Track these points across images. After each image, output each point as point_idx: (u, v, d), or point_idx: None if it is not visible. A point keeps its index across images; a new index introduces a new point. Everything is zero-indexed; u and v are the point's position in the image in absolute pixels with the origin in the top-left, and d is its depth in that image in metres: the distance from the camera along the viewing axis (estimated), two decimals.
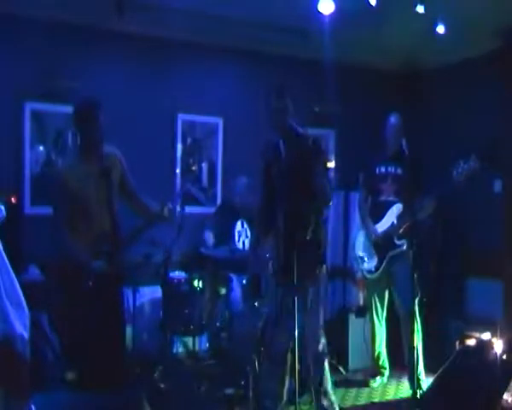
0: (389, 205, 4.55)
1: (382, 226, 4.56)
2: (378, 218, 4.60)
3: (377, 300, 4.70)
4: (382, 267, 4.56)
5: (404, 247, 4.45)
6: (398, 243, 4.48)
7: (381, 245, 4.55)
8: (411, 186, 4.48)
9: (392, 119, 4.64)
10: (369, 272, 4.66)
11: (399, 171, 4.56)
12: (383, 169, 4.62)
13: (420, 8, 4.27)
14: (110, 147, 3.67)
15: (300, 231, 3.49)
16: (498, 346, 4.13)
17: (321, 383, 3.69)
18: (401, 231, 4.45)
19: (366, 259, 4.67)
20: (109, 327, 3.54)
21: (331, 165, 6.25)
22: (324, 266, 3.69)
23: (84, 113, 3.57)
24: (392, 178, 4.57)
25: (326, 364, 3.72)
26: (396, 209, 4.51)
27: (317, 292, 3.63)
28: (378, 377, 4.73)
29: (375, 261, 4.60)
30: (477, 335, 4.80)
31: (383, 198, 4.59)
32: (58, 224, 3.50)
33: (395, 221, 4.49)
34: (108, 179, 3.59)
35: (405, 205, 4.46)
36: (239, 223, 5.02)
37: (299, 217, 3.52)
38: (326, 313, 4.06)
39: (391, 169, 4.60)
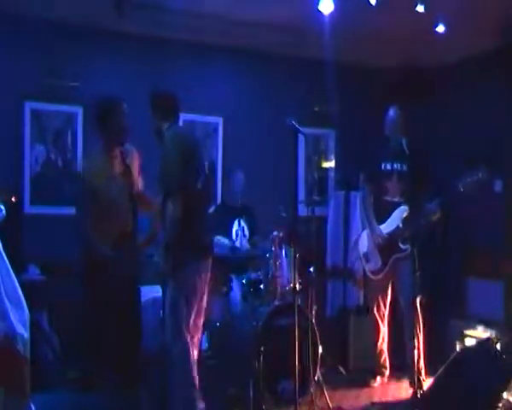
0: (394, 206, 4.51)
1: (387, 228, 4.53)
2: (382, 218, 4.56)
3: (380, 299, 4.70)
4: (386, 269, 4.55)
5: (409, 250, 4.41)
6: (402, 247, 4.45)
7: (386, 247, 4.52)
8: (417, 186, 4.46)
9: (391, 112, 4.60)
10: (373, 272, 4.65)
11: (405, 168, 4.51)
12: (388, 166, 4.57)
13: (420, 8, 4.27)
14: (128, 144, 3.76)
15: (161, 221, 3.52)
16: (498, 346, 4.13)
17: None
18: (406, 234, 4.41)
19: (370, 259, 4.66)
20: (127, 326, 3.58)
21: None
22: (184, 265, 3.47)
23: (110, 108, 3.64)
24: (398, 175, 4.52)
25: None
26: (401, 212, 4.48)
27: (172, 286, 3.49)
28: (378, 377, 4.72)
29: (379, 262, 4.58)
30: (477, 334, 4.80)
31: (388, 198, 4.54)
32: (84, 223, 3.54)
33: (400, 224, 4.46)
34: (131, 178, 3.67)
35: (411, 208, 4.43)
36: (236, 221, 5.02)
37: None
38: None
39: (396, 166, 4.54)
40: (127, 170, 3.66)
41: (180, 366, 3.49)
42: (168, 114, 3.69)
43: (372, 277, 4.67)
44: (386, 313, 4.72)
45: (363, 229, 4.78)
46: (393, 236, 4.47)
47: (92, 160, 3.73)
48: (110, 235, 3.55)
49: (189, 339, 3.50)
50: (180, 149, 3.52)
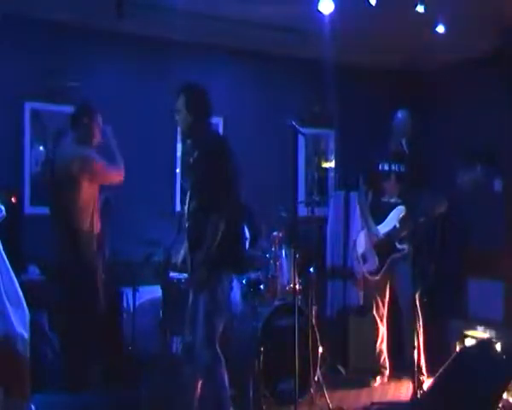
0: (392, 206, 4.52)
1: (384, 228, 4.53)
2: (380, 219, 4.57)
3: (378, 299, 4.70)
4: (384, 270, 4.55)
5: (406, 250, 4.43)
6: (399, 246, 4.46)
7: (383, 247, 4.53)
8: (415, 186, 4.47)
9: (399, 114, 4.60)
10: (371, 273, 4.65)
11: (403, 169, 4.52)
12: (386, 167, 4.59)
13: (420, 8, 4.27)
14: None
15: (193, 231, 3.44)
16: (498, 346, 4.13)
17: None
18: (403, 234, 4.42)
19: (367, 259, 4.66)
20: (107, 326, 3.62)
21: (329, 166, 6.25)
22: (217, 273, 3.39)
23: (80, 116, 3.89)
24: (396, 176, 4.54)
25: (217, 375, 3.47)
26: (399, 212, 4.48)
27: (208, 298, 3.40)
28: (378, 377, 4.72)
29: (376, 262, 4.59)
30: (477, 335, 4.80)
31: (386, 199, 4.56)
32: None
33: (397, 224, 4.46)
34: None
35: (408, 208, 4.43)
36: None
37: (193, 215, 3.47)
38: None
39: (394, 167, 4.56)
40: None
41: (213, 375, 3.46)
42: (205, 111, 3.56)
43: (369, 277, 4.68)
44: (385, 313, 4.73)
45: (362, 229, 4.79)
46: (390, 236, 4.48)
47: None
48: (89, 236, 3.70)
49: (218, 347, 3.47)
50: (229, 161, 3.42)
